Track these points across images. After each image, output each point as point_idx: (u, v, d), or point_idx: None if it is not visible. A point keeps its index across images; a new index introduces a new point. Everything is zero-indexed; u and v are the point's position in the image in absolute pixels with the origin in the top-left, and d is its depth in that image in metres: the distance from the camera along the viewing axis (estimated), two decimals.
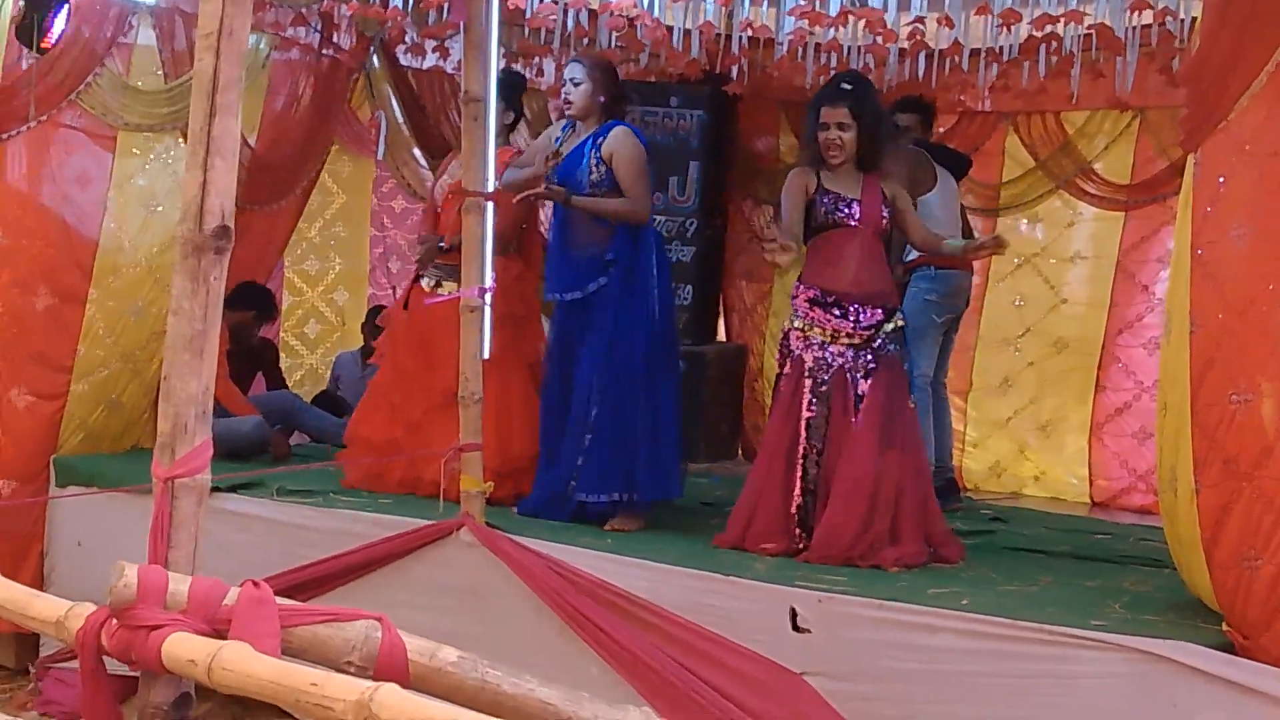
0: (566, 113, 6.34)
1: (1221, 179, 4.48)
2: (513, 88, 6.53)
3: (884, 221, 5.83)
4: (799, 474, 5.71)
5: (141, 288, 7.13)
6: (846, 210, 5.76)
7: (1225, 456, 4.37)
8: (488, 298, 5.90)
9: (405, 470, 6.53)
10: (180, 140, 7.06)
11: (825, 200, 5.75)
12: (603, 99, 6.24)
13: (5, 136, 6.84)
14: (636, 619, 5.25)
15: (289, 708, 2.65)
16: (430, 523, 5.88)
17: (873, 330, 5.71)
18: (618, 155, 6.12)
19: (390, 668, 2.81)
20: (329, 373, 9.34)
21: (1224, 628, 4.46)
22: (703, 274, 9.01)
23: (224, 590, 2.92)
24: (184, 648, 2.82)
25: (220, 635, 2.85)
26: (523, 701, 2.78)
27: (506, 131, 6.74)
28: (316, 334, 10.06)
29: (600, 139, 6.17)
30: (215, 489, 6.22)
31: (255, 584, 2.89)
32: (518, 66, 8.34)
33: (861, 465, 5.60)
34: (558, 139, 6.41)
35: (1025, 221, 8.71)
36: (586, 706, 2.77)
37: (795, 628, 5.03)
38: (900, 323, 5.83)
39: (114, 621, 2.92)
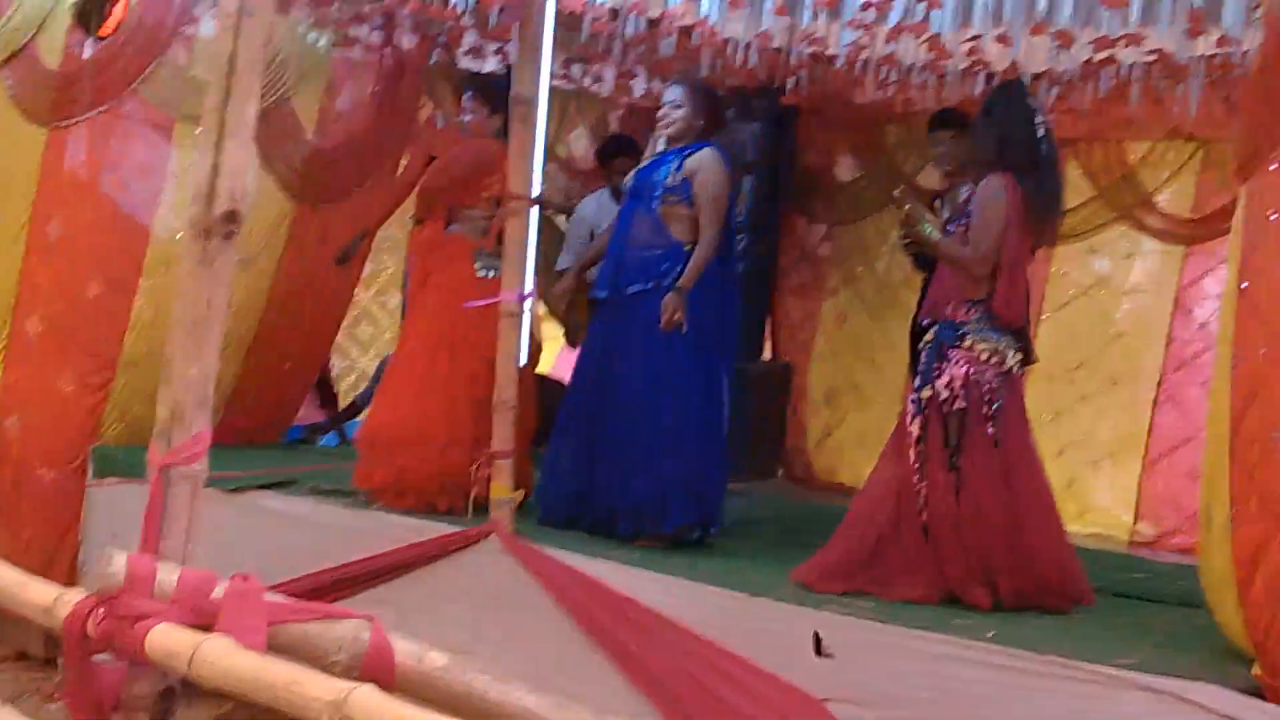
0: (663, 134, 6.33)
1: (1273, 213, 4.37)
2: (503, 92, 6.42)
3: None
4: None
5: None
6: None
7: (1263, 493, 4.25)
8: (528, 304, 5.88)
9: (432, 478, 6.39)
10: None
11: None
12: (700, 123, 6.24)
13: (65, 124, 6.89)
14: (660, 636, 5.16)
15: (268, 704, 2.60)
16: (460, 529, 5.86)
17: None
18: (701, 177, 6.10)
19: (376, 669, 2.75)
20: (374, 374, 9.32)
21: (1254, 671, 4.34)
22: (752, 290, 8.89)
23: (213, 582, 2.88)
24: (167, 639, 2.78)
25: (207, 628, 2.81)
26: (509, 708, 2.73)
27: (496, 134, 6.61)
28: (369, 336, 10.08)
29: (688, 153, 6.16)
30: (249, 487, 6.41)
31: (244, 577, 2.85)
32: (575, 71, 8.34)
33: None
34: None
35: (1083, 252, 8.59)
36: (573, 714, 2.71)
37: (818, 652, 4.94)
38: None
39: (101, 610, 2.89)
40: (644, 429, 6.03)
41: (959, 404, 5.37)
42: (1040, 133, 5.51)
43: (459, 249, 6.54)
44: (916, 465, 5.39)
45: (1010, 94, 5.66)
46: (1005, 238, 5.44)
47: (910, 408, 5.47)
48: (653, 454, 6.01)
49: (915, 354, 5.72)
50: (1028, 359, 5.60)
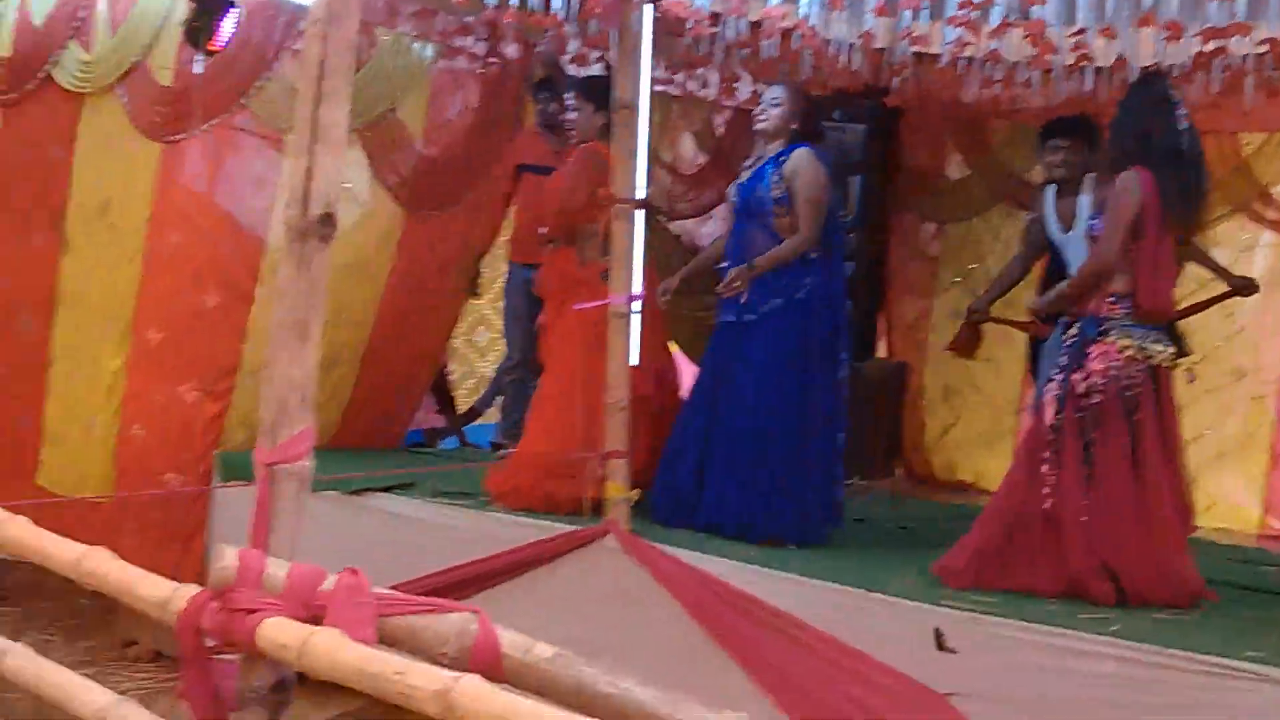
0: (758, 127, 6.34)
1: None
2: (606, 90, 6.34)
3: None
4: None
5: None
6: None
7: None
8: (636, 305, 5.88)
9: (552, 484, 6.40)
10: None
11: None
12: (795, 125, 6.25)
13: (178, 139, 7.02)
14: (780, 633, 5.14)
15: (377, 694, 2.61)
16: (577, 528, 5.88)
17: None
18: (799, 178, 6.13)
19: (483, 661, 2.75)
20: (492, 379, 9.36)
21: None
22: (863, 290, 8.83)
23: (321, 576, 2.90)
24: (277, 632, 2.80)
25: (317, 621, 2.83)
26: (616, 701, 2.71)
27: (600, 132, 6.60)
28: (486, 341, 10.15)
29: (783, 158, 6.18)
30: (368, 489, 6.47)
31: (353, 571, 2.87)
32: (679, 77, 8.33)
33: None
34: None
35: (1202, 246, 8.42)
36: (682, 708, 2.69)
37: (940, 647, 4.90)
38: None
39: (215, 605, 2.92)
40: (751, 442, 6.05)
41: (1097, 399, 5.30)
42: (1182, 125, 5.40)
43: (593, 278, 6.48)
44: (1050, 455, 5.33)
45: (1151, 87, 5.54)
46: (1145, 233, 5.34)
47: (1049, 400, 5.41)
48: (757, 467, 6.03)
49: (1034, 351, 5.64)
50: (1180, 352, 5.49)
